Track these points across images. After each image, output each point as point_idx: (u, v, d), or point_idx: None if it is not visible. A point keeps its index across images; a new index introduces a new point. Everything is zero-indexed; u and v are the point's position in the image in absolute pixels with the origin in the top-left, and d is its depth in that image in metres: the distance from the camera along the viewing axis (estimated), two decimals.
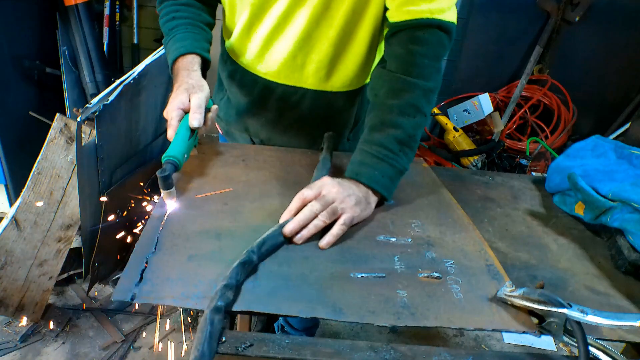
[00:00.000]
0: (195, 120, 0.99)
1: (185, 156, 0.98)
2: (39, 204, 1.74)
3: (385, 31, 1.09)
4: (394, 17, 1.03)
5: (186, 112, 1.01)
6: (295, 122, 1.31)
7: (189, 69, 1.08)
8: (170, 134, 0.99)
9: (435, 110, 3.22)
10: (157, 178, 0.91)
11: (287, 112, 1.29)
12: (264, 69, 1.22)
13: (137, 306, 2.19)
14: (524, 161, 3.10)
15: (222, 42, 1.31)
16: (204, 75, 1.12)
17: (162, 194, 0.93)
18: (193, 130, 1.00)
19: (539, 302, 0.71)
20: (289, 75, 1.21)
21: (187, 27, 1.15)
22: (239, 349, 0.65)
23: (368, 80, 1.28)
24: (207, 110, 1.04)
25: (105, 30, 2.84)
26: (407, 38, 1.01)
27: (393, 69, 1.03)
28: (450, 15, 1.02)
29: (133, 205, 1.55)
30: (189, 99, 1.01)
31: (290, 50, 1.15)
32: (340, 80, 1.22)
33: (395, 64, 1.03)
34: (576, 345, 0.66)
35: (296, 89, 1.24)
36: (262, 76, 1.24)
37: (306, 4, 1.07)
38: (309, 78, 1.21)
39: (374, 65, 1.24)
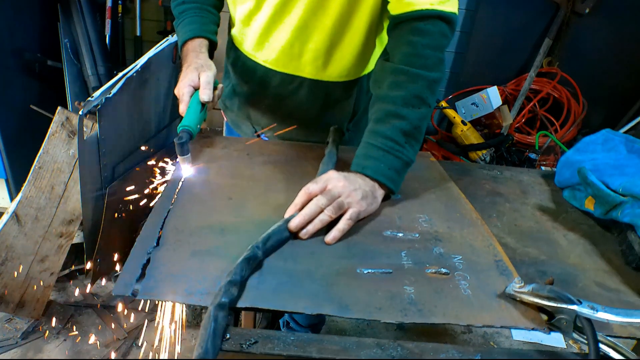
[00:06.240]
0: (205, 95, 1.07)
1: (198, 127, 1.06)
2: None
3: (387, 24, 1.09)
4: (394, 9, 1.03)
5: (196, 88, 1.09)
6: (294, 110, 1.33)
7: (197, 50, 1.16)
8: (183, 108, 1.07)
9: (443, 104, 3.19)
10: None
11: (286, 100, 1.31)
12: (263, 56, 1.25)
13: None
14: (533, 155, 3.07)
15: (229, 31, 1.34)
16: (212, 56, 1.21)
17: (178, 159, 1.04)
18: (203, 105, 1.08)
19: (549, 299, 0.70)
20: (286, 63, 1.23)
21: (195, 12, 1.23)
22: (244, 346, 0.64)
23: (366, 71, 1.30)
24: (215, 88, 1.11)
25: (108, 22, 2.81)
26: (408, 30, 1.01)
27: (396, 61, 1.02)
28: (451, 5, 1.02)
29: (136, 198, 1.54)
30: (199, 77, 1.09)
31: (288, 38, 1.17)
32: (337, 70, 1.24)
33: (397, 56, 1.02)
34: (586, 342, 0.65)
35: (294, 78, 1.26)
36: (262, 64, 1.27)
37: None
38: (306, 67, 1.23)
39: (373, 57, 1.26)
